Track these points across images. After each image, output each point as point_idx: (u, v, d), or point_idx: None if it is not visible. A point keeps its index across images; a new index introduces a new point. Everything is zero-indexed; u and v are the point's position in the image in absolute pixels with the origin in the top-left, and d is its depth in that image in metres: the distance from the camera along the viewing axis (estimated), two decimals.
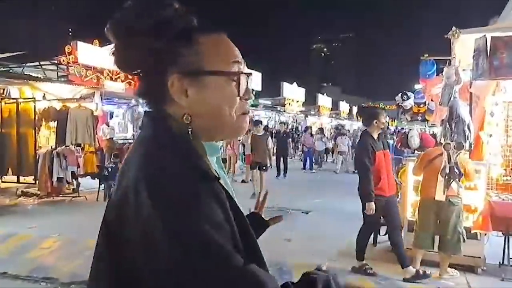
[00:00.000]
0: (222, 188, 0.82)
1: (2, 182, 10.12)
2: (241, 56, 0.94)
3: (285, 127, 16.28)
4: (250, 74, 0.94)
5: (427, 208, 4.54)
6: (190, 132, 0.87)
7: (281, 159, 13.48)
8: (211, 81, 0.89)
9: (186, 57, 0.87)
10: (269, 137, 10.13)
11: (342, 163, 15.58)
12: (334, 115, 33.99)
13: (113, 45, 0.90)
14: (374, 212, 4.47)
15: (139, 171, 0.80)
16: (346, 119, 35.87)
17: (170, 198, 0.75)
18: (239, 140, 12.52)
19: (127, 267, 0.79)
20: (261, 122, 10.55)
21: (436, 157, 4.53)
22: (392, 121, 33.59)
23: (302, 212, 8.04)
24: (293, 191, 10.71)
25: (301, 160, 16.87)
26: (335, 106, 35.47)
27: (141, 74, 0.91)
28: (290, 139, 16.36)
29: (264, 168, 9.49)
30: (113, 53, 0.90)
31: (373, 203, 4.44)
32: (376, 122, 4.66)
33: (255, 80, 20.62)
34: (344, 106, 37.64)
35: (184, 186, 0.76)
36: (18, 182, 10.15)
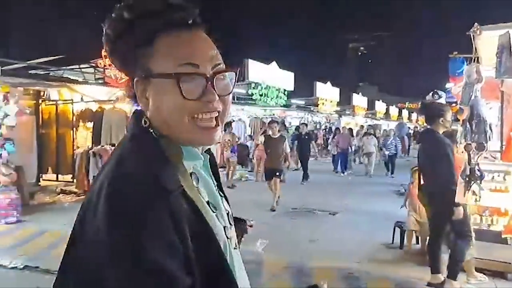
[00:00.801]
0: (187, 199, 0.79)
1: (42, 180, 10.60)
2: (210, 57, 0.87)
3: (306, 127, 14.49)
4: (197, 74, 0.84)
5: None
6: (159, 136, 0.85)
7: (302, 163, 12.68)
8: (158, 83, 0.84)
9: (142, 59, 0.85)
10: (286, 140, 8.81)
11: (368, 165, 14.42)
12: (370, 115, 33.38)
13: None
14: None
15: (108, 174, 0.80)
16: (382, 119, 35.13)
17: (122, 211, 0.72)
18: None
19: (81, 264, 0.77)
20: (277, 122, 9.41)
21: None
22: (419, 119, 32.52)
23: (329, 214, 7.97)
24: (320, 192, 10.63)
25: (333, 162, 15.54)
26: (371, 106, 34.83)
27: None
28: (314, 141, 14.80)
29: (277, 174, 8.27)
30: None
31: (461, 207, 4.05)
32: (442, 121, 4.29)
33: (288, 80, 20.59)
34: (380, 106, 36.88)
35: (139, 201, 0.73)
36: (57, 180, 10.66)
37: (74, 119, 10.62)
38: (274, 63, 19.42)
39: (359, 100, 31.36)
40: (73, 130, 10.65)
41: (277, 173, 8.26)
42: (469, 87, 4.34)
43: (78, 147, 10.49)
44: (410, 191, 5.66)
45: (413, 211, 5.44)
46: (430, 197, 4.31)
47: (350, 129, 16.60)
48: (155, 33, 0.84)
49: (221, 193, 0.99)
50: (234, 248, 0.93)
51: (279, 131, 8.92)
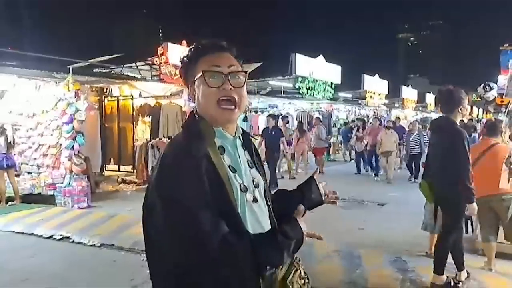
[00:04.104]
0: (210, 162, 1.24)
1: (106, 170, 11.46)
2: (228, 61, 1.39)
3: (272, 120, 10.79)
4: (218, 72, 1.34)
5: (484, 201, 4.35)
6: (200, 120, 1.36)
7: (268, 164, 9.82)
8: (197, 83, 1.37)
9: (193, 73, 1.39)
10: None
11: (387, 167, 11.13)
12: (420, 108, 32.44)
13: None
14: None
15: (167, 148, 1.33)
16: (433, 111, 34.06)
17: (165, 165, 1.25)
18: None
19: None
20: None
21: (484, 152, 4.49)
22: (486, 113, 31.10)
23: (378, 204, 8.14)
24: (368, 183, 10.74)
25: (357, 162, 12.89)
26: (421, 98, 33.82)
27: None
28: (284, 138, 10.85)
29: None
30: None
31: (475, 204, 3.84)
32: (460, 109, 3.98)
33: (335, 73, 20.53)
34: (431, 98, 35.74)
35: (174, 160, 1.25)
36: (119, 170, 11.47)
37: (134, 113, 11.36)
38: (321, 57, 19.44)
39: (409, 93, 30.52)
40: (133, 124, 11.40)
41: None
42: None
43: (137, 140, 11.21)
44: None
45: None
46: (443, 193, 3.99)
47: (394, 122, 13.21)
48: (199, 58, 1.40)
49: (251, 164, 1.44)
50: (254, 201, 1.35)
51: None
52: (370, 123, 12.81)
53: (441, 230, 4.23)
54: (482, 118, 28.30)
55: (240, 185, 1.32)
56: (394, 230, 6.15)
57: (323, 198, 1.63)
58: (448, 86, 4.15)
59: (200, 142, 1.28)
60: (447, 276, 4.10)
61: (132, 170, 11.00)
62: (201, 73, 1.33)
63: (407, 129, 12.43)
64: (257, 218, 1.35)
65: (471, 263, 4.73)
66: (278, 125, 11.49)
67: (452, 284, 4.09)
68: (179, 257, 1.21)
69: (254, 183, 1.40)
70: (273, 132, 10.26)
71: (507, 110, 4.74)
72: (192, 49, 1.42)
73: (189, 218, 1.17)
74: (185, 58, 1.43)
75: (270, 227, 1.38)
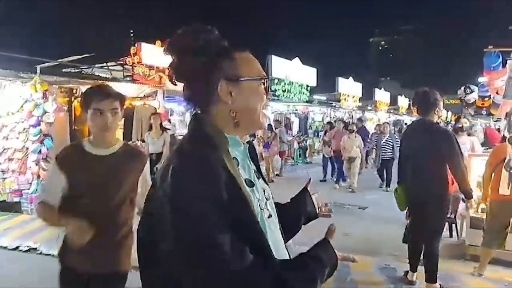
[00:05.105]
0: (228, 174, 1.05)
1: None
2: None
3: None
4: (268, 77, 1.24)
5: (502, 207, 4.31)
6: (209, 124, 1.15)
7: None
8: (247, 85, 1.17)
9: (227, 68, 1.15)
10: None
11: (351, 175, 10.27)
12: (392, 111, 33.02)
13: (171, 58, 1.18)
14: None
15: (170, 161, 1.10)
16: (404, 114, 34.72)
17: (182, 179, 1.02)
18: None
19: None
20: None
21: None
22: (454, 116, 32.05)
23: (359, 208, 8.04)
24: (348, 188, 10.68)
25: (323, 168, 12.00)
26: (394, 101, 34.44)
27: (192, 82, 1.17)
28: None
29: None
30: (170, 65, 1.18)
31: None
32: (436, 111, 4.01)
33: (311, 76, 20.57)
34: (403, 101, 36.44)
35: (194, 174, 1.02)
36: None
37: None
38: (297, 59, 19.44)
39: (382, 95, 31.05)
40: None
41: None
42: None
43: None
44: None
45: None
46: (429, 198, 3.90)
47: (356, 124, 12.73)
48: (231, 50, 1.18)
49: (258, 175, 1.27)
50: (269, 217, 1.18)
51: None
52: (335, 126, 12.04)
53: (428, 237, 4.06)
54: (450, 120, 29.09)
55: (259, 202, 1.15)
56: (380, 235, 6.04)
57: (317, 211, 1.56)
58: (424, 88, 4.11)
59: (216, 151, 1.09)
60: (440, 285, 3.97)
61: None
62: (258, 78, 1.19)
63: (371, 131, 12.09)
64: (276, 237, 1.19)
65: (460, 268, 4.66)
66: None
67: None
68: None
69: (266, 195, 1.23)
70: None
71: (506, 113, 4.67)
72: (217, 36, 1.19)
73: (207, 243, 0.97)
74: (226, 49, 1.20)
75: (284, 246, 1.24)
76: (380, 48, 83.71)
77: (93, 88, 2.37)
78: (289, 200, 1.54)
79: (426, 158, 3.91)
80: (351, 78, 25.44)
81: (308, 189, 1.56)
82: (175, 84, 1.22)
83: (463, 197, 4.25)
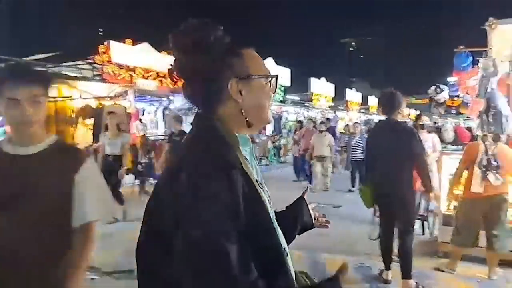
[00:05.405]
0: (243, 173, 1.03)
1: None
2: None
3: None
4: (277, 75, 1.19)
5: (474, 204, 4.35)
6: (218, 123, 1.10)
7: None
8: (256, 82, 1.14)
9: (236, 66, 1.11)
10: None
11: (324, 174, 10.11)
12: (363, 110, 33.55)
13: (174, 56, 1.12)
14: None
15: (182, 160, 1.06)
16: (375, 114, 35.35)
17: (195, 181, 0.97)
18: None
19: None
20: None
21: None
22: (414, 114, 32.63)
23: (334, 207, 8.05)
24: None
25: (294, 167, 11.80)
26: (365, 101, 35.02)
27: (199, 81, 1.11)
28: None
29: None
30: (174, 62, 1.11)
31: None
32: (400, 111, 4.17)
33: (284, 76, 20.63)
34: (374, 101, 37.09)
35: (207, 173, 0.98)
36: None
37: (74, 116, 10.56)
38: (270, 59, 19.44)
39: (353, 95, 31.53)
40: (72, 127, 10.59)
41: None
42: (485, 80, 4.40)
43: (77, 144, 10.44)
44: None
45: None
46: (399, 194, 3.99)
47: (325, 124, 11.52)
48: (239, 48, 1.14)
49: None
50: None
51: None
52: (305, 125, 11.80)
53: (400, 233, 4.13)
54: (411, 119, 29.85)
55: (270, 204, 1.14)
56: (354, 234, 6.03)
57: (314, 222, 1.52)
58: (391, 89, 4.23)
59: (231, 150, 1.07)
60: (416, 282, 3.99)
61: None
62: (268, 76, 1.17)
63: (339, 132, 11.82)
64: (284, 243, 1.17)
65: (433, 265, 4.70)
66: None
67: None
68: None
69: (269, 197, 1.19)
70: None
71: (479, 112, 4.73)
72: (223, 33, 1.13)
73: (216, 249, 0.94)
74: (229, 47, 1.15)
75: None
76: (351, 49, 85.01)
77: (5, 68, 1.80)
78: (284, 208, 1.49)
79: (393, 156, 3.99)
80: (323, 78, 25.71)
81: (305, 198, 1.52)
82: (175, 82, 1.15)
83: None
